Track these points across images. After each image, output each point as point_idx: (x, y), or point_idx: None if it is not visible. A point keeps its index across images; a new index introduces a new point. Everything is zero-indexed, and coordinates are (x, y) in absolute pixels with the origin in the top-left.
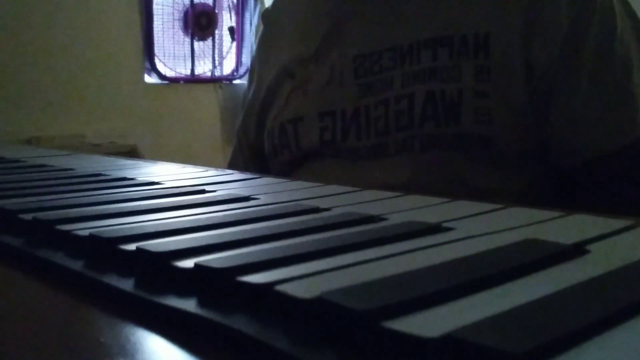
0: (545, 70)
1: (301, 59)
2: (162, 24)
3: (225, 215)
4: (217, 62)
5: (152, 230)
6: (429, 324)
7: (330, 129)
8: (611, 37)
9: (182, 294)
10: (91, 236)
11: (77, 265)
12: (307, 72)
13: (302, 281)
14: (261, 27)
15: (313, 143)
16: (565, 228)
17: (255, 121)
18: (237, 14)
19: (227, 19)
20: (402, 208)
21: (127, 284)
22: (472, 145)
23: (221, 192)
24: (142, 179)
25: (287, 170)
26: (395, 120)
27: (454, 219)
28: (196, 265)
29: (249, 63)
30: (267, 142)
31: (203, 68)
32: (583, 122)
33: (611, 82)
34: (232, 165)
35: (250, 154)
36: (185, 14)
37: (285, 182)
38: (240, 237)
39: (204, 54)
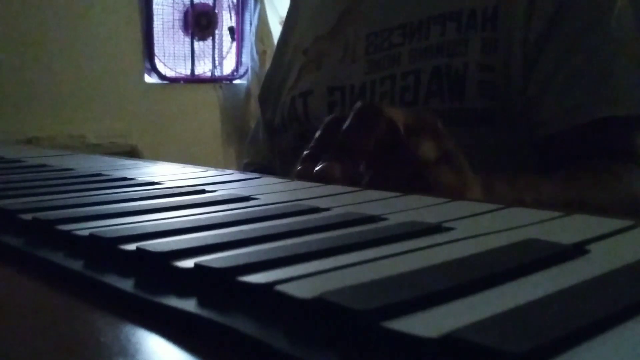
0: (536, 39)
1: (317, 36)
2: (162, 24)
3: (225, 215)
4: (217, 62)
5: (152, 230)
6: (429, 324)
7: (339, 103)
8: (608, 12)
9: (182, 294)
10: (91, 236)
11: (77, 265)
12: (320, 48)
13: (302, 281)
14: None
15: (321, 116)
16: (565, 228)
17: (272, 98)
18: (237, 14)
19: (227, 19)
20: (402, 208)
21: (127, 284)
22: (476, 121)
23: (221, 192)
24: (142, 179)
25: (293, 147)
26: (400, 96)
27: (454, 219)
28: (196, 265)
29: (249, 63)
30: (278, 115)
31: (203, 68)
32: (558, 91)
33: (596, 56)
34: (252, 138)
35: (266, 128)
36: (185, 14)
37: (285, 182)
38: (240, 237)
39: (204, 54)
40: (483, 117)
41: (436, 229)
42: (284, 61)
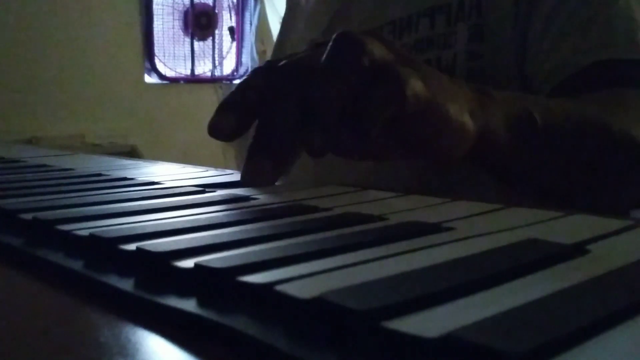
0: (526, 9)
1: (311, 39)
2: (162, 24)
3: (225, 215)
4: (217, 62)
5: (152, 230)
6: (429, 324)
7: None
8: None
9: (182, 294)
10: (91, 236)
11: (77, 265)
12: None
13: (302, 281)
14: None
15: None
16: (565, 228)
17: None
18: (237, 14)
19: (227, 19)
20: (402, 208)
21: (127, 284)
22: None
23: (221, 192)
24: (142, 179)
25: None
26: None
27: (454, 219)
28: (196, 265)
29: (249, 63)
30: None
31: (203, 68)
32: (556, 44)
33: (590, 4)
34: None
35: None
36: (185, 14)
37: (285, 182)
38: (240, 237)
39: (204, 54)
40: None
41: (436, 229)
42: None
